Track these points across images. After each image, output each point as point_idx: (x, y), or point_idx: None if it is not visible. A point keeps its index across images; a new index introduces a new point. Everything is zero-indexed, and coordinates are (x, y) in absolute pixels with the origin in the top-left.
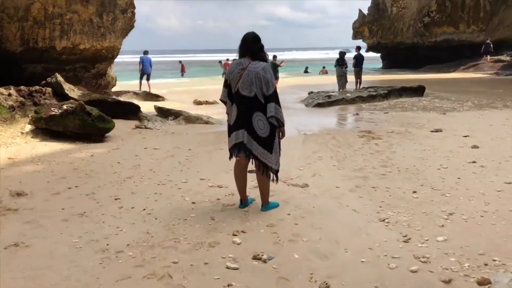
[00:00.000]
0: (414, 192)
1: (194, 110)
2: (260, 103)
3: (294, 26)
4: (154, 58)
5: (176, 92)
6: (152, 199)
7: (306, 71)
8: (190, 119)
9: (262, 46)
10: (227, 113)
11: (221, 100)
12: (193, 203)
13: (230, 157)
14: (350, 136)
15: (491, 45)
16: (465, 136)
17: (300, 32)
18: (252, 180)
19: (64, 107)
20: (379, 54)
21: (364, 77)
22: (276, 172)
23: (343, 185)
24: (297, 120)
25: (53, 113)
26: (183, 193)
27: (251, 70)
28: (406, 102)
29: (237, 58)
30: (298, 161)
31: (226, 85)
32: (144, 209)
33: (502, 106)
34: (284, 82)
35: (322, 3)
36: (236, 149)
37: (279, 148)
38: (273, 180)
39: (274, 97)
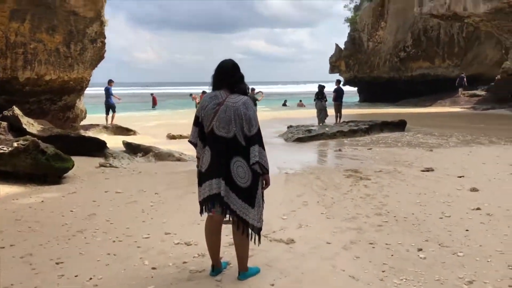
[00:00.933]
0: (420, 250)
1: (167, 145)
2: (240, 145)
3: (270, 60)
4: (129, 90)
5: (148, 125)
6: (103, 262)
7: (284, 104)
8: (161, 156)
9: (243, 77)
10: (197, 157)
11: (190, 141)
12: (153, 268)
13: (201, 212)
14: (335, 176)
15: (465, 79)
16: (460, 177)
17: (276, 66)
18: (227, 234)
19: (15, 144)
20: (355, 88)
21: (344, 111)
22: (258, 230)
23: (335, 240)
24: (278, 157)
25: (1, 151)
26: (143, 254)
27: (230, 105)
28: (389, 138)
29: (210, 90)
30: (281, 208)
31: (197, 123)
32: (91, 278)
33: (488, 142)
34: (263, 116)
35: (298, 38)
36: (210, 203)
37: (263, 200)
38: (254, 241)
39: (257, 138)
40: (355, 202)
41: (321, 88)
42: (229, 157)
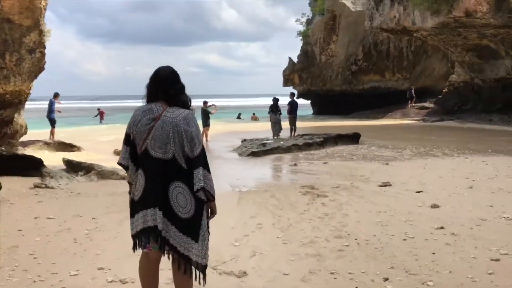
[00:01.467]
0: (386, 279)
1: (112, 162)
2: (180, 168)
3: (224, 74)
4: (78, 104)
5: (96, 141)
6: None
7: (239, 117)
8: (104, 175)
9: (183, 87)
10: (129, 182)
11: (120, 164)
12: None
13: (134, 248)
14: (291, 194)
15: (413, 91)
16: (419, 192)
17: (231, 79)
18: (164, 267)
19: None
20: (309, 101)
21: (298, 124)
22: (203, 268)
23: (292, 270)
24: (231, 173)
25: None
26: None
27: (167, 120)
28: (344, 151)
29: (144, 102)
30: (233, 232)
31: (128, 141)
32: None
33: (441, 154)
34: (216, 129)
35: (251, 52)
36: (144, 238)
37: (208, 232)
38: (199, 280)
39: (201, 160)
40: (313, 223)
41: (275, 101)
42: (167, 182)
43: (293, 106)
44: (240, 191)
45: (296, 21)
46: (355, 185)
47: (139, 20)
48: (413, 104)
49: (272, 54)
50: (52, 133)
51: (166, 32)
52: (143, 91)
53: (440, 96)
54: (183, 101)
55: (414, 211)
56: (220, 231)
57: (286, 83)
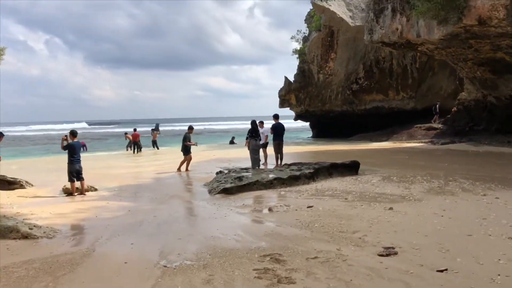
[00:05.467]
0: None
1: (49, 207)
2: None
3: (228, 96)
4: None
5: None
6: None
7: (232, 142)
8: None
9: None
10: None
11: None
12: None
13: None
14: (241, 273)
15: (438, 106)
16: (442, 271)
17: (234, 101)
18: None
19: None
20: (307, 123)
21: (293, 148)
22: None
23: None
24: (176, 227)
25: None
26: None
27: None
28: (338, 186)
29: None
30: None
31: None
32: None
33: (461, 190)
34: (203, 156)
35: (255, 75)
36: None
37: None
38: None
39: None
40: None
41: (254, 124)
42: None
43: (276, 130)
44: (165, 266)
45: (291, 38)
46: (343, 253)
47: (146, 46)
48: (435, 121)
49: (276, 76)
50: None
51: (171, 57)
52: (151, 114)
53: (449, 116)
54: None
55: None
56: None
57: (283, 104)
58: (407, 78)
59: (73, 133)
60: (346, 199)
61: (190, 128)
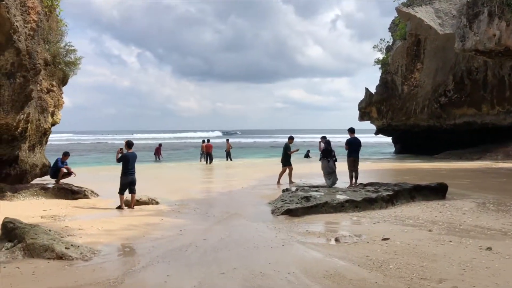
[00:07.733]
0: None
1: (99, 223)
2: None
3: (309, 109)
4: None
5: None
6: None
7: (307, 156)
8: (34, 250)
9: None
10: None
11: None
12: None
13: None
14: None
15: None
16: None
17: (315, 114)
18: None
19: None
20: (390, 138)
21: (372, 165)
22: None
23: None
24: (221, 258)
25: None
26: None
27: None
28: (421, 213)
29: None
30: None
31: None
32: None
33: None
34: (274, 170)
35: (337, 87)
36: None
37: None
38: None
39: None
40: None
41: (327, 144)
42: None
43: (352, 146)
44: None
45: (373, 47)
46: None
47: (229, 59)
48: None
49: (358, 88)
50: (60, 176)
51: (253, 70)
52: (231, 126)
53: None
54: None
55: None
56: None
57: (363, 117)
58: (504, 91)
59: (129, 144)
60: (430, 230)
61: (291, 138)
